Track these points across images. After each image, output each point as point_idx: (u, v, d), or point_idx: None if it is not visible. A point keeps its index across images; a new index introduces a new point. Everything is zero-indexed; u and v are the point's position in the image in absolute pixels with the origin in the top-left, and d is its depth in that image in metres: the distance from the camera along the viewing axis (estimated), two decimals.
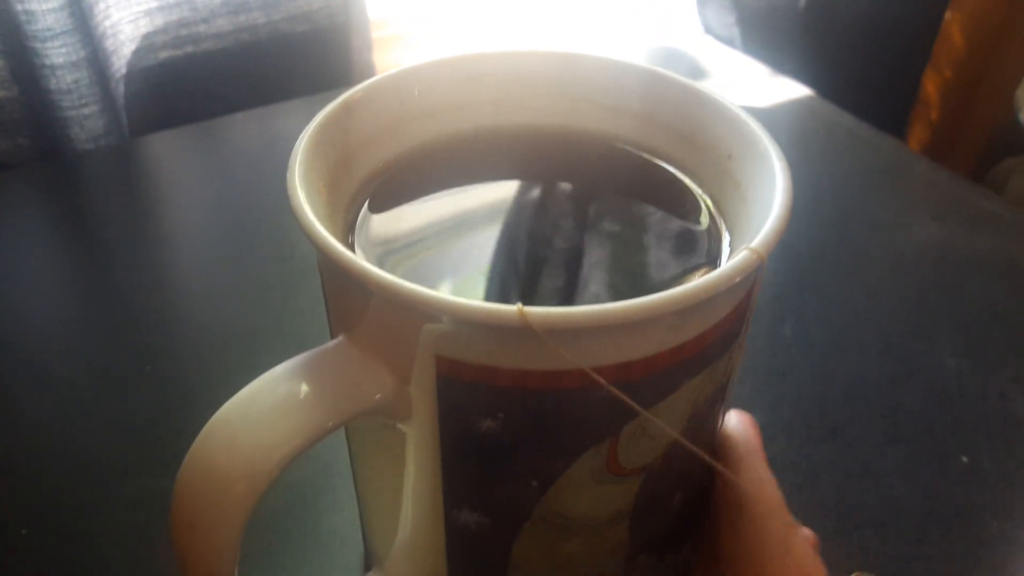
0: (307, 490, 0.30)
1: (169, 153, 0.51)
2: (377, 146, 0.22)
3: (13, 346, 0.37)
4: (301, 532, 0.29)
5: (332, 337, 0.21)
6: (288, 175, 0.19)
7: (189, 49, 0.56)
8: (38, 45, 0.47)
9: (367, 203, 0.22)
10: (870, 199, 0.47)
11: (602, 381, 0.16)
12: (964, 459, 0.33)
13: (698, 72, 0.59)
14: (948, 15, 0.80)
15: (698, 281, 0.16)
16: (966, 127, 0.88)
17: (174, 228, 0.46)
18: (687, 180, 0.23)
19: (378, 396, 0.18)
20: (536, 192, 0.23)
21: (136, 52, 0.54)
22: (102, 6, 0.50)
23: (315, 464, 0.31)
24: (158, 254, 0.43)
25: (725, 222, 0.21)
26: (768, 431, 0.33)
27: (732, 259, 0.17)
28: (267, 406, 0.17)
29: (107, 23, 0.51)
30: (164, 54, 0.55)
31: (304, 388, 0.18)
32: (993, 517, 0.31)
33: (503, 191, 0.23)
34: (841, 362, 0.37)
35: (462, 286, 0.20)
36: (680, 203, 0.22)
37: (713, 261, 0.21)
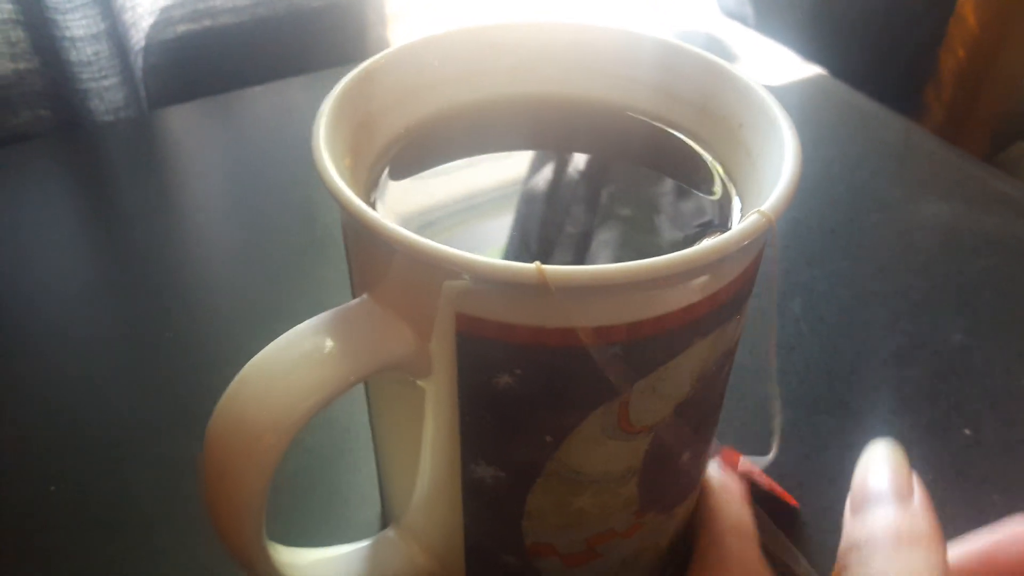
0: (326, 451, 0.31)
1: (188, 125, 0.52)
2: (397, 112, 0.23)
3: (37, 315, 0.38)
4: (320, 492, 0.30)
5: (354, 297, 0.21)
6: (313, 139, 0.19)
7: (207, 23, 0.56)
8: (59, 17, 0.47)
9: (388, 168, 0.23)
10: (880, 178, 0.48)
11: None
12: (967, 431, 0.33)
13: (712, 50, 0.59)
14: None
15: (708, 242, 0.17)
16: (979, 108, 0.88)
17: (193, 199, 0.47)
18: (700, 149, 0.23)
19: (399, 352, 0.19)
20: (551, 159, 0.24)
21: (154, 25, 0.54)
22: None
23: (333, 428, 0.32)
24: (177, 224, 0.44)
25: (736, 189, 0.22)
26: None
27: (742, 222, 0.17)
28: (294, 360, 0.18)
29: None
30: (182, 27, 0.56)
31: (329, 343, 0.19)
32: (994, 489, 0.31)
33: (519, 158, 0.24)
34: (848, 337, 0.37)
35: (480, 246, 0.21)
36: (693, 171, 0.23)
37: (724, 225, 0.21)
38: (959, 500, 0.31)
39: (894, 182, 0.48)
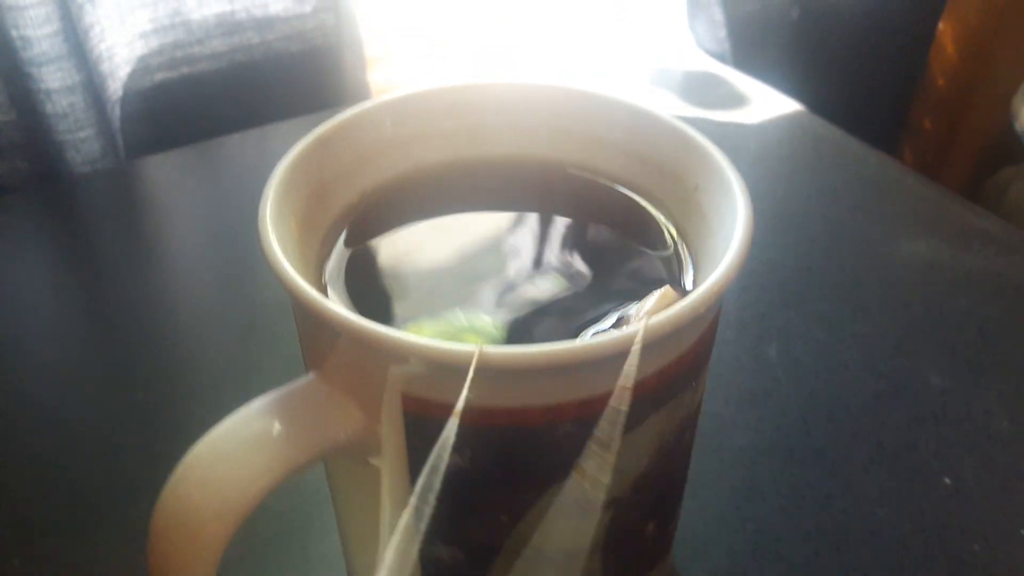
0: (294, 516, 0.31)
1: (166, 175, 0.52)
2: (352, 179, 0.23)
3: (9, 368, 0.38)
4: (288, 557, 0.30)
5: (306, 370, 0.21)
6: (259, 214, 0.19)
7: (184, 70, 0.56)
8: (34, 71, 0.47)
9: (341, 238, 0.22)
10: (858, 214, 0.48)
11: None
12: (947, 480, 0.33)
13: (689, 87, 0.60)
14: (941, 26, 0.80)
15: (657, 318, 0.17)
16: (962, 136, 0.88)
17: (171, 250, 0.46)
18: (656, 212, 0.23)
19: (348, 433, 0.18)
20: (508, 224, 0.24)
21: (132, 75, 0.54)
22: (97, 30, 0.51)
23: (302, 492, 0.32)
24: (155, 276, 0.44)
25: (691, 254, 0.22)
26: (751, 453, 0.34)
27: (690, 296, 0.17)
28: (239, 443, 0.18)
29: (102, 46, 0.52)
30: (159, 76, 0.56)
31: (276, 425, 0.18)
32: (975, 539, 0.31)
33: (476, 223, 0.24)
34: (825, 382, 0.37)
35: (433, 319, 0.21)
36: (648, 235, 0.23)
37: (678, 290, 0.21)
38: (940, 551, 0.30)
39: (872, 219, 0.48)
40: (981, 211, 0.48)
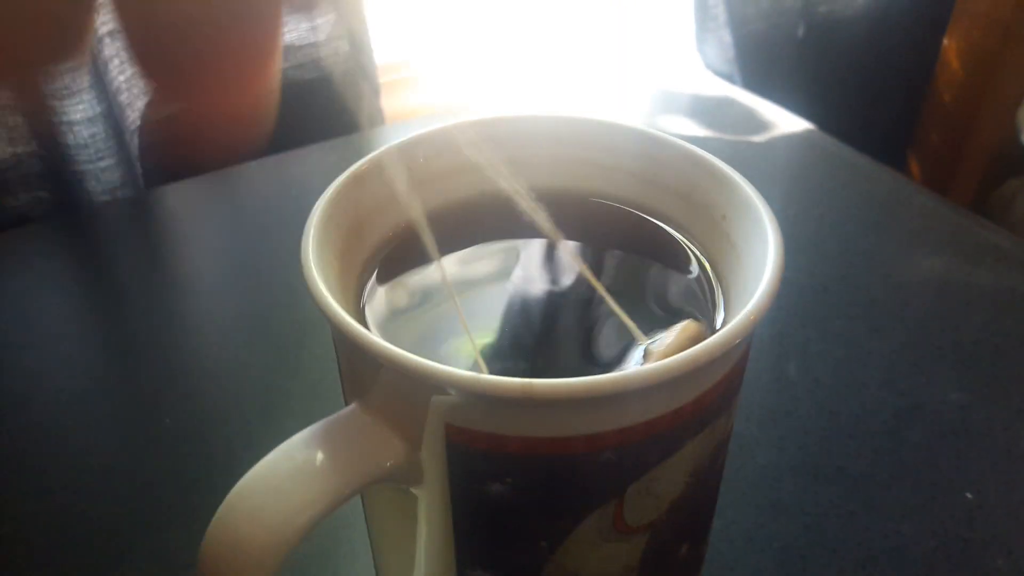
0: (325, 540, 0.31)
1: (185, 204, 0.53)
2: (386, 214, 0.23)
3: (34, 398, 0.38)
4: None
5: (345, 401, 0.21)
6: (302, 252, 0.20)
7: None
8: (56, 103, 0.48)
9: (377, 270, 0.23)
10: (871, 232, 0.48)
11: None
12: (969, 495, 0.33)
13: (698, 108, 0.60)
14: (945, 42, 0.81)
15: (693, 350, 0.17)
16: (968, 150, 0.89)
17: (192, 278, 0.47)
18: (685, 240, 0.24)
19: (391, 463, 0.19)
20: (540, 255, 0.24)
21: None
22: (116, 61, 0.52)
23: (334, 514, 0.32)
24: (177, 304, 0.44)
25: (720, 282, 0.22)
26: (774, 471, 0.34)
27: (725, 328, 0.17)
28: (285, 476, 0.18)
29: (121, 78, 0.53)
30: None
31: (320, 457, 0.19)
32: (999, 553, 0.31)
33: (507, 255, 0.24)
34: (845, 399, 0.37)
35: (470, 351, 0.21)
36: (679, 264, 0.23)
37: (710, 324, 0.21)
38: (964, 567, 0.31)
39: (885, 236, 0.48)
40: (993, 226, 0.49)
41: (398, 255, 0.23)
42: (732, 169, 0.22)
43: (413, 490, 0.20)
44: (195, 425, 0.37)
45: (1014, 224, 0.86)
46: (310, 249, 0.20)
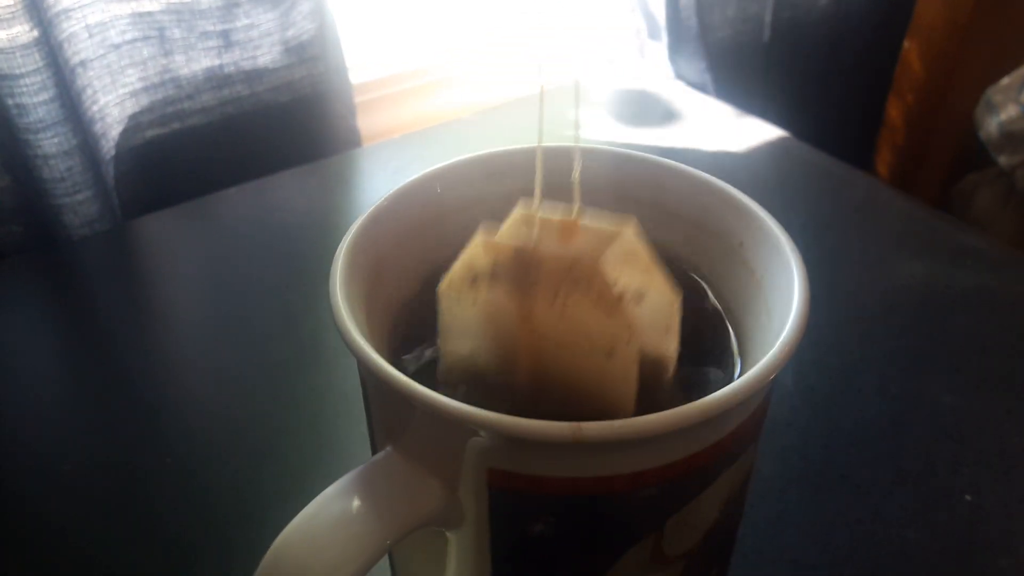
0: None
1: (164, 233, 0.52)
2: (406, 252, 0.23)
3: (19, 442, 0.37)
4: None
5: (374, 443, 0.21)
6: (331, 298, 0.20)
7: (175, 126, 0.56)
8: (31, 137, 0.47)
9: (404, 309, 0.23)
10: (852, 239, 0.49)
11: None
12: (968, 497, 0.34)
13: (674, 119, 0.61)
14: (906, 44, 0.83)
15: (733, 386, 0.17)
16: (931, 147, 0.91)
17: (175, 309, 0.46)
18: (694, 275, 0.24)
19: (430, 507, 0.19)
20: None
21: (124, 133, 0.54)
22: (89, 92, 0.51)
23: None
24: (161, 337, 0.44)
25: (741, 308, 0.23)
26: (779, 483, 0.35)
27: (761, 364, 0.18)
28: (328, 527, 0.18)
29: (95, 108, 0.52)
30: (151, 133, 0.56)
31: (361, 506, 0.18)
32: (1002, 554, 0.32)
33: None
34: (842, 407, 0.38)
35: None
36: (690, 297, 0.24)
37: (731, 357, 0.22)
38: (970, 570, 0.31)
39: (867, 242, 0.49)
40: (969, 228, 0.50)
41: (423, 294, 0.23)
42: (746, 196, 0.23)
43: (448, 533, 0.20)
44: (196, 459, 0.36)
45: (976, 216, 0.89)
46: (339, 296, 0.20)
